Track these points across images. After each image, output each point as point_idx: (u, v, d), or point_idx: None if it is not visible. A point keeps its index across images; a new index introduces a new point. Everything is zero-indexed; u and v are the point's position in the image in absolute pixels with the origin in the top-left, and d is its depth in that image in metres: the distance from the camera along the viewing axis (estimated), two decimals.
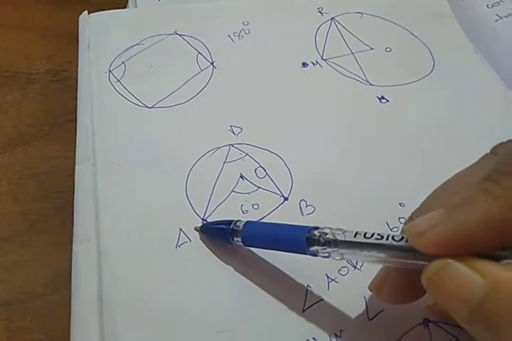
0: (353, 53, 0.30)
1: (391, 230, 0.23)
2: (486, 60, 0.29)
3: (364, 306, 0.20)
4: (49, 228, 0.24)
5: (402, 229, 0.17)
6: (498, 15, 0.30)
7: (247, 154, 0.25)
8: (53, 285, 0.22)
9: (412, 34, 0.31)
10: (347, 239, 0.17)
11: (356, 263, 0.22)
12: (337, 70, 0.29)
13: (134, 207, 0.23)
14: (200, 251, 0.22)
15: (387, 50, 0.30)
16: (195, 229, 0.22)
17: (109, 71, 0.28)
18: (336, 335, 0.20)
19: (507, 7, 0.31)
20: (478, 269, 0.13)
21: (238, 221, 0.20)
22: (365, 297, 0.21)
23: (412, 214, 0.18)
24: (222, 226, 0.21)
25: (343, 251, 0.17)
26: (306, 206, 0.23)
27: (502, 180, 0.14)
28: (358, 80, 0.28)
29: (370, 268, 0.21)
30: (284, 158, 0.25)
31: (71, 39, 0.30)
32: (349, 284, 0.21)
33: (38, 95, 0.29)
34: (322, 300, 0.20)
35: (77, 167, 0.24)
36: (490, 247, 0.14)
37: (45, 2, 0.34)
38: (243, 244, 0.20)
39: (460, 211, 0.14)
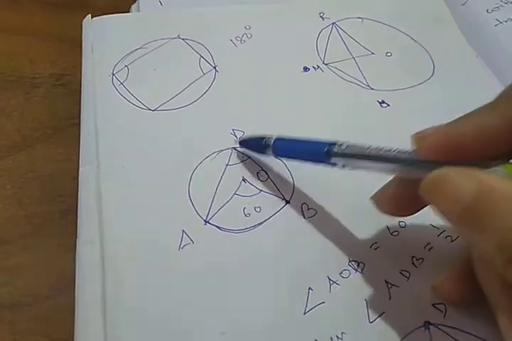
0: (354, 58, 0.30)
1: (391, 234, 0.23)
2: (486, 64, 0.29)
3: (365, 309, 0.20)
4: (53, 231, 0.24)
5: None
6: (498, 19, 0.30)
7: (249, 157, 0.25)
8: (58, 287, 0.22)
9: (412, 39, 0.31)
10: (360, 152, 0.19)
11: (358, 266, 0.22)
12: (338, 75, 0.29)
13: (137, 209, 0.23)
14: (202, 252, 0.22)
15: (388, 54, 0.30)
16: (238, 142, 0.25)
17: (113, 74, 0.28)
18: (338, 337, 0.20)
19: (507, 12, 0.31)
20: (472, 175, 0.14)
21: (270, 136, 0.23)
22: (366, 300, 0.21)
23: None
24: (257, 141, 0.24)
25: (358, 162, 0.19)
26: (308, 209, 0.23)
27: (498, 97, 0.17)
28: (358, 85, 0.29)
29: (371, 271, 0.21)
30: (285, 162, 0.25)
31: (74, 43, 0.30)
32: (350, 287, 0.21)
33: (41, 99, 0.29)
34: (323, 302, 0.21)
35: (80, 169, 0.24)
36: (484, 155, 0.16)
37: (48, 7, 0.34)
38: (274, 154, 0.23)
39: (461, 121, 0.17)
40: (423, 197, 0.16)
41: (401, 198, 0.20)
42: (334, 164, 0.20)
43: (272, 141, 0.23)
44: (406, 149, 0.18)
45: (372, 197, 0.21)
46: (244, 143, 0.25)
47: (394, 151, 0.18)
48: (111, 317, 0.20)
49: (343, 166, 0.20)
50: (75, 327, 0.19)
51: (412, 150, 0.18)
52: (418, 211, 0.20)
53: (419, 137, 0.17)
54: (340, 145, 0.20)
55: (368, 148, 0.19)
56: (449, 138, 0.17)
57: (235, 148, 0.25)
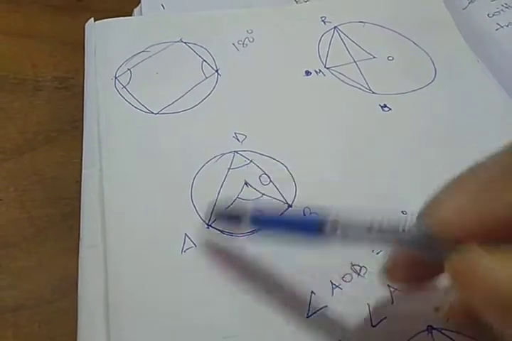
0: (355, 62, 0.30)
1: None
2: (487, 68, 0.29)
3: (367, 313, 0.20)
4: (56, 234, 0.24)
5: (419, 215, 0.15)
6: (498, 24, 0.31)
7: (251, 161, 0.25)
8: (61, 290, 0.22)
9: (414, 43, 0.31)
10: (357, 236, 0.16)
11: (360, 270, 0.22)
12: (340, 79, 0.29)
13: (140, 213, 0.23)
14: (205, 256, 0.22)
15: (390, 58, 0.30)
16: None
17: (115, 78, 0.28)
18: None
19: (508, 16, 0.31)
20: (504, 255, 0.12)
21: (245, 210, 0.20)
22: (368, 304, 0.21)
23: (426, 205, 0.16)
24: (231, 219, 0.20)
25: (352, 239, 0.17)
26: (310, 213, 0.23)
27: None
28: (360, 88, 0.29)
29: (374, 275, 0.21)
30: (287, 166, 0.25)
31: (77, 46, 0.30)
32: (353, 291, 0.21)
33: (44, 102, 0.29)
34: (326, 306, 0.21)
35: (83, 172, 0.24)
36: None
37: (51, 10, 0.34)
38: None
39: (487, 195, 0.13)
40: (451, 279, 0.13)
41: (416, 267, 0.17)
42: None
43: (249, 218, 0.19)
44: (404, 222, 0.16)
45: (385, 268, 0.18)
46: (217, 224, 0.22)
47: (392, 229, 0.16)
48: (114, 320, 0.20)
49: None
50: (78, 331, 0.19)
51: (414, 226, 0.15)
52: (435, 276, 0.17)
53: (437, 219, 0.14)
54: (334, 225, 0.17)
55: (361, 228, 0.16)
56: (479, 217, 0.13)
57: (237, 152, 0.25)
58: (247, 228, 0.20)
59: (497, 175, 0.14)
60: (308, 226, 0.17)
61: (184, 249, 0.22)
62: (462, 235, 0.13)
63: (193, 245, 0.22)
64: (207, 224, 0.23)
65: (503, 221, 0.13)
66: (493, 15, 0.31)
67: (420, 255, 0.16)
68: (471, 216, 0.13)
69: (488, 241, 0.13)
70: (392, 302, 0.21)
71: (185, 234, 0.22)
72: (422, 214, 0.15)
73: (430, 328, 0.20)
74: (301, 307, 0.21)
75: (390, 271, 0.17)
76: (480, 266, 0.12)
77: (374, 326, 0.20)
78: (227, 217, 0.21)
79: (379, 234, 0.16)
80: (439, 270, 0.15)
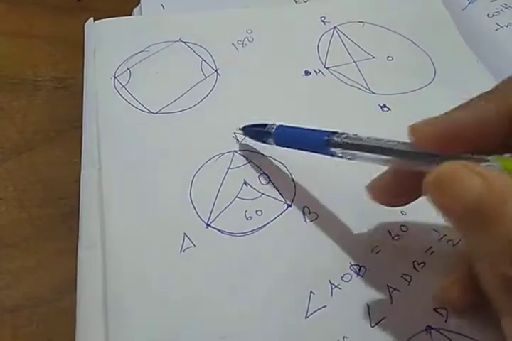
0: (355, 62, 0.30)
1: (393, 238, 0.23)
2: (487, 69, 0.29)
3: (367, 313, 0.20)
4: (55, 234, 0.24)
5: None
6: (498, 24, 0.30)
7: (250, 161, 0.25)
8: (60, 291, 0.22)
9: (413, 43, 0.31)
10: (360, 143, 0.19)
11: (359, 269, 0.22)
12: (339, 79, 0.29)
13: (139, 212, 0.23)
14: (204, 255, 0.22)
15: (389, 58, 0.30)
16: (239, 128, 0.25)
17: (115, 77, 0.28)
18: None
19: (507, 16, 0.31)
20: (478, 172, 0.14)
21: (273, 124, 0.23)
22: (367, 304, 0.21)
23: None
24: (259, 128, 0.24)
25: (356, 152, 0.19)
26: (310, 213, 0.23)
27: (495, 88, 0.17)
28: (360, 89, 0.29)
29: (373, 275, 0.21)
30: (287, 165, 0.25)
31: (77, 46, 0.30)
32: (352, 291, 0.21)
33: (43, 102, 0.29)
34: (325, 306, 0.21)
35: (82, 172, 0.24)
36: (479, 147, 0.15)
37: (50, 10, 0.34)
38: (275, 143, 0.23)
39: (457, 112, 0.17)
40: (425, 192, 0.15)
41: (396, 188, 0.20)
42: (333, 154, 0.20)
43: (275, 129, 0.23)
44: (406, 141, 0.18)
45: (367, 187, 0.20)
46: (247, 130, 0.25)
47: (393, 143, 0.18)
48: (112, 321, 0.20)
49: (342, 156, 0.20)
50: (76, 332, 0.19)
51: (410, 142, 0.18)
52: (413, 201, 0.20)
53: (414, 128, 0.17)
54: (341, 135, 0.20)
55: (367, 138, 0.19)
56: (446, 129, 0.16)
57: (236, 151, 0.25)
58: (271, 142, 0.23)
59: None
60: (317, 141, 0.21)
61: (183, 249, 0.22)
62: (437, 144, 0.16)
63: (192, 245, 0.22)
64: (206, 224, 0.23)
65: (467, 131, 0.16)
66: (493, 15, 0.31)
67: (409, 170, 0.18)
68: (442, 126, 0.16)
69: (456, 150, 0.16)
70: (392, 303, 0.21)
71: (185, 234, 0.22)
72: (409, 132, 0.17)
73: (429, 328, 0.20)
74: (300, 308, 0.20)
75: (373, 191, 0.20)
76: (451, 177, 0.14)
77: (373, 326, 0.20)
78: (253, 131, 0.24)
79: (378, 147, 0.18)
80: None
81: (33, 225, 0.24)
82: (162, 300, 0.21)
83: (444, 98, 0.28)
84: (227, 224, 0.23)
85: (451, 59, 0.30)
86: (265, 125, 0.24)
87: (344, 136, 0.20)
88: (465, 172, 0.14)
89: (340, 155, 0.20)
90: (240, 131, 0.25)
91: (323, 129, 0.21)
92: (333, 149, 0.20)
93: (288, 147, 0.23)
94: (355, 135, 0.19)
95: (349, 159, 0.20)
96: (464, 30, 0.31)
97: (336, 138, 0.20)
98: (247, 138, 0.26)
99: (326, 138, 0.20)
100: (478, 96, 0.17)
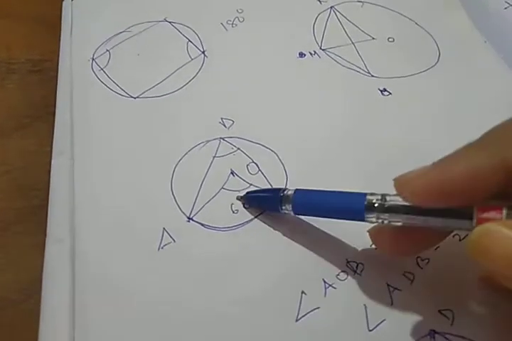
0: (353, 43, 0.29)
1: None
2: (495, 49, 0.28)
3: (364, 315, 0.19)
4: (25, 228, 0.23)
5: None
6: (507, 2, 0.29)
7: (238, 148, 0.24)
8: (28, 291, 0.20)
9: (416, 23, 0.30)
10: (405, 204, 0.17)
11: (356, 267, 0.20)
12: (336, 61, 0.28)
13: (114, 205, 0.21)
14: (185, 252, 0.20)
15: (390, 40, 0.29)
16: (237, 198, 0.21)
17: (93, 59, 0.27)
18: None
19: None
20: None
21: (285, 189, 0.20)
22: (365, 305, 0.19)
23: None
24: (270, 194, 0.20)
25: (398, 216, 0.17)
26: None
27: (485, 136, 0.16)
28: (358, 71, 0.27)
29: (371, 273, 0.20)
30: (278, 153, 0.23)
31: (54, 27, 0.29)
32: (348, 290, 0.20)
33: (17, 86, 0.28)
34: (318, 308, 0.19)
35: (53, 161, 0.23)
36: (474, 197, 0.15)
37: None
38: (294, 212, 0.20)
39: (449, 163, 0.16)
40: (470, 256, 0.15)
41: (402, 238, 0.18)
42: (371, 221, 0.18)
43: (292, 195, 0.19)
44: None
45: (370, 230, 0.19)
46: (252, 198, 0.21)
47: None
48: (80, 324, 0.18)
49: (387, 222, 0.17)
50: (39, 336, 0.18)
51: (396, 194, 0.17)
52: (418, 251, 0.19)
53: (402, 182, 0.16)
54: (381, 198, 0.17)
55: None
56: (439, 183, 0.16)
57: (223, 138, 0.24)
58: (288, 212, 0.20)
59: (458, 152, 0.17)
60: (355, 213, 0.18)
61: (162, 245, 0.20)
62: (421, 197, 0.16)
63: (172, 240, 0.21)
64: (188, 218, 0.21)
65: (461, 184, 0.15)
66: None
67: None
68: (432, 181, 0.16)
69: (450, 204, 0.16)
70: (392, 304, 0.19)
71: (164, 229, 0.21)
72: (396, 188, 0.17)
73: (433, 332, 0.19)
74: (290, 310, 0.19)
75: (374, 235, 0.19)
76: (495, 241, 0.14)
77: (371, 330, 0.19)
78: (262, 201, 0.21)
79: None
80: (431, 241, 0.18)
81: (1, 219, 0.23)
82: (139, 301, 0.19)
83: (449, 82, 0.27)
84: (211, 218, 0.21)
85: (456, 40, 0.29)
86: (276, 190, 0.20)
87: (387, 197, 0.17)
88: (504, 231, 0.14)
89: (382, 221, 0.17)
90: (238, 199, 0.22)
91: (351, 191, 0.18)
92: (372, 215, 0.17)
93: (311, 215, 0.20)
94: (396, 195, 0.17)
95: (389, 223, 0.17)
96: (470, 8, 0.30)
97: (376, 202, 0.17)
98: (237, 126, 0.24)
99: (364, 202, 0.17)
100: (468, 146, 0.16)
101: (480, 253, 0.14)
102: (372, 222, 0.18)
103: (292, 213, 0.20)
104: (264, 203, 0.21)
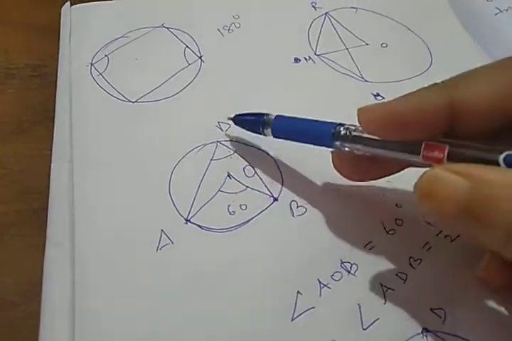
0: (347, 49, 0.29)
1: (387, 233, 0.21)
2: (486, 54, 0.28)
3: (358, 314, 0.19)
4: (24, 231, 0.23)
5: None
6: (498, 8, 0.29)
7: (235, 152, 0.24)
8: (27, 293, 0.20)
9: (409, 29, 0.30)
10: (371, 137, 0.18)
11: (351, 267, 0.20)
12: (331, 66, 0.28)
13: (113, 207, 0.22)
14: (182, 253, 0.20)
15: (383, 45, 0.29)
16: (229, 118, 0.23)
17: (91, 64, 0.27)
18: None
19: (507, 0, 0.30)
20: (463, 171, 0.15)
21: (269, 114, 0.22)
22: (359, 304, 0.19)
23: None
24: (254, 117, 0.22)
25: (363, 147, 0.18)
26: (297, 207, 0.22)
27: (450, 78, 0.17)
28: (352, 76, 0.27)
29: (365, 273, 0.20)
30: (274, 157, 0.24)
31: (53, 33, 0.29)
32: (343, 290, 0.20)
33: (16, 91, 0.28)
34: (313, 307, 0.19)
35: (52, 165, 0.23)
36: (428, 133, 0.17)
37: None
38: (273, 135, 0.22)
39: (403, 98, 0.17)
40: (418, 201, 0.16)
41: (359, 164, 0.20)
42: (337, 147, 0.19)
43: (272, 119, 0.22)
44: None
45: (332, 153, 0.21)
46: (240, 120, 0.23)
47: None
48: (79, 327, 0.18)
49: (347, 150, 0.19)
50: (39, 338, 0.18)
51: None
52: (373, 179, 0.21)
53: (361, 110, 0.18)
54: (348, 127, 0.19)
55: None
56: (388, 114, 0.17)
57: (220, 142, 0.24)
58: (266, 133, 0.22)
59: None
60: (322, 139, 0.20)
61: (160, 247, 0.20)
62: (379, 128, 0.17)
63: (170, 242, 0.21)
64: (185, 220, 0.21)
65: (410, 118, 0.17)
66: None
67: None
68: (385, 113, 0.17)
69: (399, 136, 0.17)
70: (385, 303, 0.19)
71: (162, 230, 0.21)
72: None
73: (425, 331, 0.19)
74: (286, 309, 0.19)
75: (336, 164, 0.21)
76: (437, 181, 0.15)
77: (365, 329, 0.19)
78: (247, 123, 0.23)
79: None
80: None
81: (1, 222, 0.23)
82: (137, 302, 0.19)
83: None
84: (209, 220, 0.21)
85: (448, 45, 0.29)
86: (260, 114, 0.22)
87: (353, 128, 0.19)
88: (448, 175, 0.15)
89: (345, 149, 0.19)
90: (229, 121, 0.24)
91: (326, 120, 0.20)
92: (338, 143, 0.19)
93: (287, 139, 0.22)
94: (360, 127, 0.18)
95: (351, 151, 0.19)
96: (461, 14, 0.30)
97: (343, 131, 0.19)
98: (233, 129, 0.24)
99: (332, 130, 0.19)
100: (426, 87, 0.18)
101: (428, 197, 0.15)
102: (337, 149, 0.19)
103: (272, 136, 0.22)
104: (248, 125, 0.23)
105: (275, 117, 0.22)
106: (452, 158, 0.16)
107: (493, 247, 0.15)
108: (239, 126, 0.23)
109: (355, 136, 0.18)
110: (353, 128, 0.19)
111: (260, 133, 0.22)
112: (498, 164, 0.15)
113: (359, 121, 0.18)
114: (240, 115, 0.23)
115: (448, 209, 0.15)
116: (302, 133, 0.21)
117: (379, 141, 0.18)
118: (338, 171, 0.21)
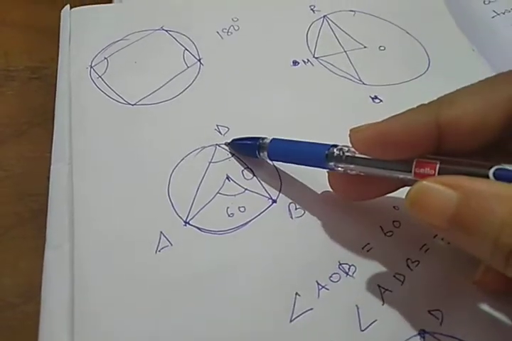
0: (345, 51, 0.29)
1: (385, 234, 0.21)
2: (483, 57, 0.28)
3: (356, 316, 0.19)
4: (24, 233, 0.23)
5: None
6: (495, 11, 0.30)
7: (233, 154, 0.24)
8: (27, 294, 0.21)
9: (407, 32, 0.30)
10: (364, 156, 0.19)
11: (349, 269, 0.20)
12: (329, 69, 0.28)
13: (112, 210, 0.22)
14: (182, 255, 0.20)
15: (381, 48, 0.29)
16: (225, 143, 0.24)
17: (91, 67, 0.27)
18: None
19: (504, 3, 0.30)
20: (451, 183, 0.15)
21: (264, 138, 0.22)
22: (357, 306, 0.19)
23: None
24: (250, 142, 0.23)
25: (356, 166, 0.19)
26: (296, 209, 0.22)
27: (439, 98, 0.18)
28: (350, 79, 0.27)
29: (363, 275, 0.20)
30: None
31: (53, 35, 0.29)
32: (341, 292, 0.20)
33: (16, 93, 0.28)
34: (311, 309, 0.19)
35: (52, 167, 0.23)
36: (417, 152, 0.17)
37: None
38: (269, 158, 0.22)
39: (393, 118, 0.18)
40: (409, 211, 0.16)
41: (354, 183, 0.20)
42: (332, 169, 0.20)
43: (268, 143, 0.22)
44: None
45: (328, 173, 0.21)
46: (235, 144, 0.23)
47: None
48: (79, 329, 0.18)
49: (341, 170, 0.19)
50: (39, 339, 0.18)
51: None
52: (368, 199, 0.21)
53: (353, 131, 0.19)
54: (342, 148, 0.19)
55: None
56: (381, 135, 0.18)
57: (218, 145, 0.24)
58: (263, 157, 0.22)
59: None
60: (317, 161, 0.20)
61: (159, 249, 0.20)
62: (369, 148, 0.18)
63: (169, 244, 0.21)
64: (184, 222, 0.21)
65: (399, 137, 0.17)
66: (489, 2, 0.30)
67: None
68: (374, 133, 0.18)
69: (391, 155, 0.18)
70: (383, 304, 0.20)
71: (161, 232, 0.21)
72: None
73: (423, 332, 0.19)
74: (285, 311, 0.19)
75: (332, 184, 0.21)
76: (426, 193, 0.15)
77: (363, 330, 0.19)
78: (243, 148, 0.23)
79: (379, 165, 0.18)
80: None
81: (0, 223, 0.23)
82: (137, 304, 0.19)
83: (439, 89, 0.27)
84: (208, 222, 0.21)
85: (445, 48, 0.29)
86: (256, 138, 0.22)
87: (346, 149, 0.19)
88: (437, 187, 0.15)
89: (339, 169, 0.19)
90: (226, 144, 0.24)
91: (319, 142, 0.20)
92: (331, 163, 0.20)
93: (283, 161, 0.22)
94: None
95: (345, 171, 0.19)
96: (459, 18, 0.30)
97: (336, 152, 0.19)
98: (232, 132, 0.24)
99: (326, 152, 0.20)
100: (415, 107, 0.18)
101: (418, 208, 0.16)
102: (332, 170, 0.20)
103: (268, 159, 0.22)
104: (245, 149, 0.23)
105: (271, 141, 0.22)
106: (443, 173, 0.16)
107: (481, 257, 0.16)
108: (235, 151, 0.24)
109: (348, 156, 0.19)
110: (346, 149, 0.19)
111: (257, 157, 0.23)
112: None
113: (351, 142, 0.19)
114: (236, 140, 0.23)
115: (437, 220, 0.15)
116: (297, 156, 0.21)
117: (371, 160, 0.18)
118: (335, 191, 0.21)
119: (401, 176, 0.18)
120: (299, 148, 0.21)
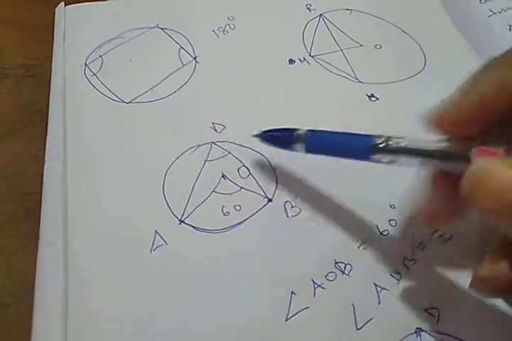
0: (341, 50, 0.29)
1: (381, 233, 0.21)
2: (479, 56, 0.28)
3: (352, 314, 0.19)
4: (18, 232, 0.23)
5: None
6: (491, 10, 0.30)
7: (229, 152, 0.24)
8: (20, 293, 0.21)
9: (403, 31, 0.30)
10: (410, 146, 0.17)
11: (344, 268, 0.20)
12: (325, 67, 0.28)
13: (106, 208, 0.21)
14: (176, 254, 0.20)
15: (377, 47, 0.29)
16: (253, 135, 0.22)
17: (85, 64, 0.27)
18: None
19: (500, 2, 0.30)
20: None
21: (298, 129, 0.21)
22: (353, 304, 0.19)
23: None
24: (285, 133, 0.21)
25: (402, 158, 0.18)
26: (292, 207, 0.22)
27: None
28: (346, 78, 0.27)
29: (359, 273, 0.20)
30: (268, 157, 0.24)
31: (48, 33, 0.29)
32: (337, 291, 0.20)
33: (10, 90, 0.28)
34: (307, 307, 0.19)
35: (46, 165, 0.23)
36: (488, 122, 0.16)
37: None
38: (306, 150, 0.20)
39: (466, 91, 0.17)
40: (466, 195, 0.15)
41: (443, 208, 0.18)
42: (375, 161, 0.18)
43: (304, 134, 0.20)
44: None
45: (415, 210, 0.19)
46: (268, 136, 0.22)
47: (437, 143, 0.17)
48: (72, 327, 0.18)
49: (386, 163, 0.18)
50: (32, 339, 0.18)
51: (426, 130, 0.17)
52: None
53: (435, 115, 0.17)
54: (387, 139, 0.18)
55: (411, 140, 0.18)
56: (465, 111, 0.17)
57: (214, 143, 0.24)
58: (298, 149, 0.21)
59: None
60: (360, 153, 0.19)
61: (154, 248, 0.20)
62: (447, 127, 0.17)
63: (164, 243, 0.21)
64: (179, 220, 0.21)
65: (475, 113, 0.17)
66: (486, 1, 0.30)
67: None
68: (451, 113, 0.17)
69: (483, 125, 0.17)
70: (379, 303, 0.20)
71: (156, 231, 0.21)
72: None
73: (419, 330, 0.19)
74: (280, 310, 0.19)
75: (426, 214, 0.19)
76: (486, 174, 0.14)
77: (359, 329, 0.19)
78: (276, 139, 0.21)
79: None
80: None
81: None
82: (131, 303, 0.19)
83: (435, 87, 0.27)
84: (203, 221, 0.21)
85: (441, 47, 0.29)
86: (289, 129, 0.21)
87: (395, 140, 0.18)
88: (499, 168, 0.14)
89: (384, 161, 0.18)
90: (255, 136, 0.22)
91: (361, 133, 0.19)
92: (376, 155, 0.18)
93: (321, 154, 0.21)
94: (400, 137, 0.18)
95: (388, 164, 0.18)
96: (455, 16, 0.30)
97: (382, 143, 0.18)
98: (228, 130, 0.24)
99: (370, 143, 0.18)
100: (478, 73, 0.18)
101: (476, 189, 0.14)
102: (375, 162, 0.18)
103: (304, 151, 0.20)
104: (278, 141, 0.21)
105: (308, 132, 0.20)
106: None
107: None
108: (266, 142, 0.22)
109: (396, 147, 0.18)
110: (394, 139, 0.18)
111: (288, 149, 0.21)
112: None
113: (431, 125, 0.17)
114: (267, 131, 0.22)
115: (496, 203, 0.14)
116: (338, 148, 0.20)
117: (423, 150, 0.17)
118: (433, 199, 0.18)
119: (457, 165, 0.16)
120: (339, 140, 0.20)
